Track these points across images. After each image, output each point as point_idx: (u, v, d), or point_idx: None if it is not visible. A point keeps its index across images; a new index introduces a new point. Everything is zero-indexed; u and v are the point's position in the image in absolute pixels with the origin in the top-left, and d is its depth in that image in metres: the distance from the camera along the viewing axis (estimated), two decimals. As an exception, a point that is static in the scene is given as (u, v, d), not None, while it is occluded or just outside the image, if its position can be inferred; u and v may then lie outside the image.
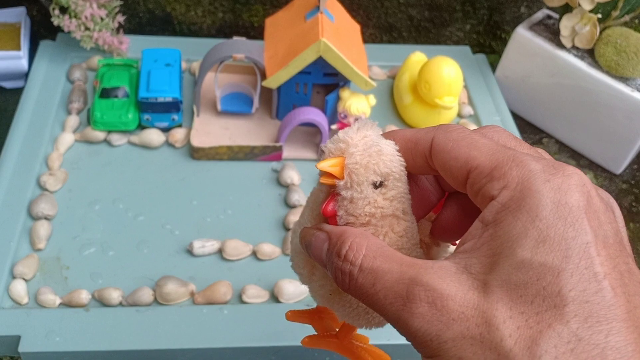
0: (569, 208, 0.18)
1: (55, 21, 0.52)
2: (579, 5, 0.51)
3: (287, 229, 0.46)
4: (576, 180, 0.19)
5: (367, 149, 0.21)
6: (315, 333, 0.29)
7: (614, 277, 0.18)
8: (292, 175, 0.49)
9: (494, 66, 0.61)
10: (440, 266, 0.19)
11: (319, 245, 0.22)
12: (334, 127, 0.50)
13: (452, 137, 0.21)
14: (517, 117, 0.58)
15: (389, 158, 0.21)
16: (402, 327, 0.19)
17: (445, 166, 0.21)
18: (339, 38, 0.47)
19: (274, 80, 0.48)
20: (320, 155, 0.23)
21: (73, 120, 0.51)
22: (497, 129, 0.22)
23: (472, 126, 0.55)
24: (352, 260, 0.20)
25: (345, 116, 0.49)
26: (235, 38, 0.50)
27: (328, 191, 0.22)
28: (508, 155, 0.19)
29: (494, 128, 0.22)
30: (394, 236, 0.21)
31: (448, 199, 0.23)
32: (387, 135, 0.23)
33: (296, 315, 0.28)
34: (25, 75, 0.55)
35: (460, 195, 0.22)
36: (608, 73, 0.52)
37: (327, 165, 0.21)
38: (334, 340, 0.27)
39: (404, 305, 0.19)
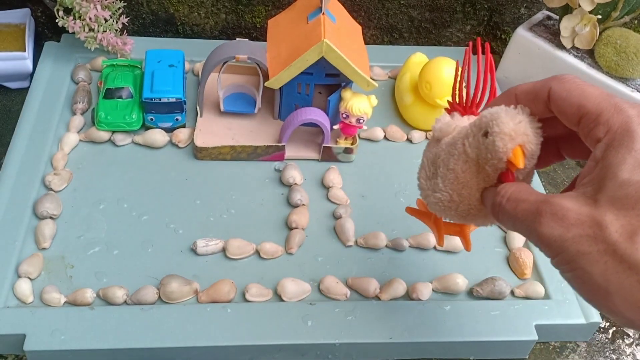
0: None
1: (60, 22, 0.52)
2: (579, 6, 0.51)
3: (289, 228, 0.46)
4: None
5: (529, 135, 0.27)
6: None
7: None
8: (294, 175, 0.49)
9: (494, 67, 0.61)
10: (561, 195, 0.25)
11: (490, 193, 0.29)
12: (336, 127, 0.50)
13: (566, 87, 0.26)
14: (517, 118, 0.58)
15: (536, 136, 0.28)
16: (534, 235, 0.25)
17: (562, 112, 0.27)
18: (341, 39, 0.48)
19: (277, 81, 0.48)
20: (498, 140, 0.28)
21: (77, 120, 0.51)
22: None
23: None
24: (502, 194, 0.28)
25: (348, 116, 0.49)
26: (238, 39, 0.51)
27: (477, 164, 0.29)
28: (611, 104, 0.25)
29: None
30: (529, 182, 0.30)
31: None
32: (509, 93, 0.29)
33: (413, 211, 0.39)
34: (30, 76, 0.56)
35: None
36: (608, 74, 0.52)
37: (520, 161, 0.27)
38: (433, 219, 0.37)
39: (535, 218, 0.25)
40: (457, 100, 0.34)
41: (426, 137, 0.55)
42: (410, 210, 0.39)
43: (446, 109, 0.35)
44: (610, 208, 0.24)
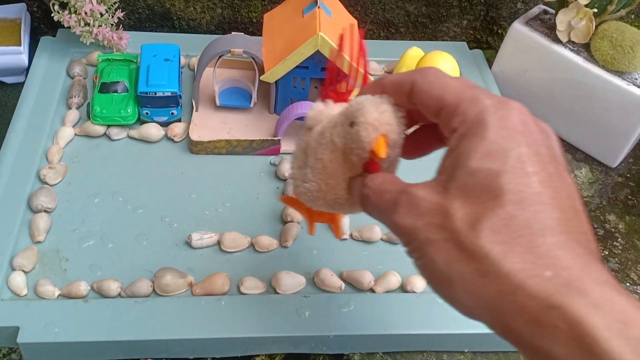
0: (508, 130, 0.24)
1: (55, 16, 0.52)
2: (575, 0, 0.51)
3: (284, 222, 0.46)
4: (517, 111, 0.24)
5: (392, 125, 0.27)
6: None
7: (543, 175, 0.23)
8: (289, 169, 0.49)
9: (490, 62, 0.61)
10: (418, 184, 0.25)
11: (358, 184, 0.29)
12: (331, 121, 0.50)
13: (428, 80, 0.26)
14: (513, 112, 0.58)
15: (399, 126, 0.28)
16: (392, 225, 0.26)
17: (423, 104, 0.27)
18: (336, 33, 0.48)
19: (272, 75, 0.48)
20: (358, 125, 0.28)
21: (73, 114, 0.51)
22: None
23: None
24: (369, 186, 0.28)
25: (343, 110, 0.49)
26: (233, 33, 0.51)
27: (344, 153, 0.29)
28: (469, 95, 0.25)
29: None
30: (395, 171, 0.31)
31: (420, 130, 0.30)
32: (377, 83, 0.29)
33: (287, 200, 0.37)
34: (26, 71, 0.56)
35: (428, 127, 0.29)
36: (604, 67, 0.52)
37: (383, 151, 0.27)
38: (305, 207, 0.35)
39: (393, 208, 0.26)
40: (330, 86, 0.33)
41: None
42: (284, 199, 0.38)
43: (320, 95, 0.33)
44: (458, 196, 0.23)
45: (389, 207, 0.26)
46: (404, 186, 0.26)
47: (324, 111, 0.32)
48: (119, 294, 0.41)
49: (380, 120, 0.27)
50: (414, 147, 0.30)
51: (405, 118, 0.28)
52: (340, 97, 0.33)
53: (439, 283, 0.24)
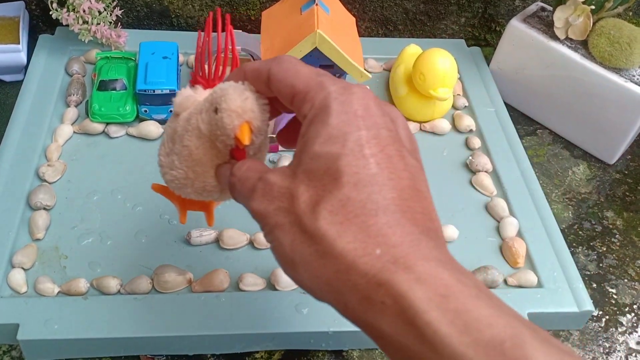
0: (349, 115, 0.25)
1: (54, 14, 0.52)
2: (573, -3, 0.51)
3: (283, 219, 0.46)
4: (358, 95, 0.25)
5: (255, 112, 0.28)
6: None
7: (380, 157, 0.24)
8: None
9: (488, 59, 0.61)
10: (275, 169, 0.26)
11: (225, 172, 0.30)
12: (329, 118, 0.50)
13: (282, 68, 0.27)
14: (511, 109, 0.59)
15: (263, 113, 0.28)
16: (249, 209, 0.26)
17: (279, 92, 0.27)
18: (335, 30, 0.48)
19: (270, 72, 0.49)
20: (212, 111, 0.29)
21: (72, 112, 0.51)
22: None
23: (467, 118, 0.55)
24: (235, 174, 0.28)
25: (341, 107, 0.49)
26: (231, 30, 0.51)
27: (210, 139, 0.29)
28: (316, 82, 0.26)
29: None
30: (263, 157, 0.31)
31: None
32: (239, 70, 0.29)
33: (159, 188, 0.36)
34: (24, 69, 0.56)
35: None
36: (601, 64, 0.52)
37: (247, 137, 0.27)
38: (175, 196, 0.34)
39: (250, 194, 0.26)
40: (199, 72, 0.32)
41: (420, 129, 0.55)
42: (155, 187, 0.37)
43: (190, 81, 0.32)
44: (304, 180, 0.24)
45: (248, 194, 0.26)
46: (262, 173, 0.26)
47: (190, 97, 0.31)
48: (119, 291, 0.41)
49: (243, 107, 0.28)
50: (291, 136, 0.30)
51: (268, 105, 0.28)
52: (210, 83, 0.32)
53: (286, 265, 0.25)
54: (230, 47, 0.31)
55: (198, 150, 0.30)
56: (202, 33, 0.31)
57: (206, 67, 0.32)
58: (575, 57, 0.53)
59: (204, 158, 0.30)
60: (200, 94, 0.32)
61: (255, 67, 0.28)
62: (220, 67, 0.32)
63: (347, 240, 0.23)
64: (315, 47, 0.46)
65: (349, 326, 0.40)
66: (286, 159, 0.50)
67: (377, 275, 0.22)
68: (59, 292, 0.41)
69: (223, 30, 0.31)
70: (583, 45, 0.54)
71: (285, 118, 0.50)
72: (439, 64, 0.51)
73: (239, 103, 0.28)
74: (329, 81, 0.26)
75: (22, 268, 0.42)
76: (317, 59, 0.48)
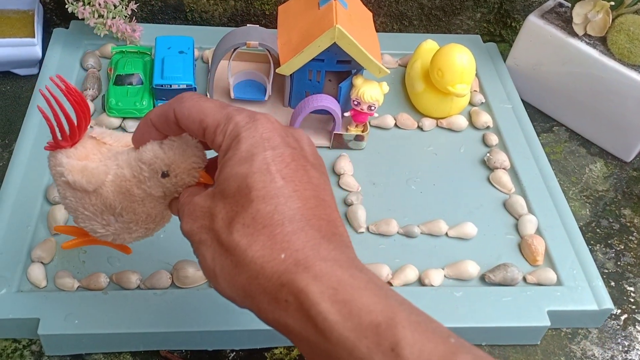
0: (256, 139, 0.28)
1: (69, 8, 0.52)
2: (592, -7, 0.51)
3: (301, 215, 0.46)
4: (263, 121, 0.28)
5: (197, 156, 0.31)
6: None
7: (286, 172, 0.27)
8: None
9: (504, 55, 0.61)
10: (202, 193, 0.29)
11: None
12: (347, 114, 0.50)
13: (186, 107, 0.29)
14: (527, 105, 0.58)
15: (203, 153, 0.32)
16: (180, 228, 0.30)
17: (189, 129, 0.30)
18: (353, 25, 0.47)
19: (288, 67, 0.48)
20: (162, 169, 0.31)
21: (88, 107, 0.51)
22: None
23: (484, 115, 0.55)
24: (180, 201, 0.31)
25: (359, 103, 0.49)
26: (248, 25, 0.51)
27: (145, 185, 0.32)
28: (224, 115, 0.29)
29: None
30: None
31: None
32: (146, 123, 0.31)
33: (64, 229, 0.38)
34: (39, 63, 0.55)
35: None
36: (620, 61, 0.52)
37: (209, 178, 0.31)
38: (89, 238, 0.36)
39: (181, 217, 0.30)
40: (60, 136, 0.33)
41: (437, 125, 0.55)
42: (72, 244, 0.37)
43: (50, 146, 0.33)
44: (221, 199, 0.27)
45: (181, 216, 0.30)
46: (190, 196, 0.30)
47: (94, 172, 0.32)
48: (138, 286, 0.41)
49: (191, 166, 0.31)
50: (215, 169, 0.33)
51: (199, 142, 0.31)
52: (75, 140, 0.33)
53: (209, 277, 0.28)
54: (74, 96, 0.32)
55: (154, 209, 0.33)
56: (42, 108, 0.32)
57: (66, 126, 0.32)
58: (594, 53, 0.53)
59: (160, 208, 0.33)
60: (92, 161, 0.33)
61: (159, 113, 0.30)
62: (75, 123, 0.32)
63: (256, 248, 0.26)
64: (334, 43, 0.46)
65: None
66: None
67: (281, 277, 0.25)
68: (78, 286, 0.41)
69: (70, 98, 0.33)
70: (602, 42, 0.54)
71: (302, 114, 0.50)
72: (457, 59, 0.50)
73: (189, 160, 0.31)
74: (235, 112, 0.29)
75: (42, 262, 0.42)
76: (335, 54, 0.48)
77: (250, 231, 0.26)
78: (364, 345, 0.23)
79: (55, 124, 0.32)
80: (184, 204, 0.30)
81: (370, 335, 0.23)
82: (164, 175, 0.31)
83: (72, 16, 0.53)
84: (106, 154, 0.33)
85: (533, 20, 0.56)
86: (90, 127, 0.34)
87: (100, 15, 0.53)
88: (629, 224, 0.51)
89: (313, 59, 0.48)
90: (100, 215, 0.33)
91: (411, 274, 0.43)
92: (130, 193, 0.32)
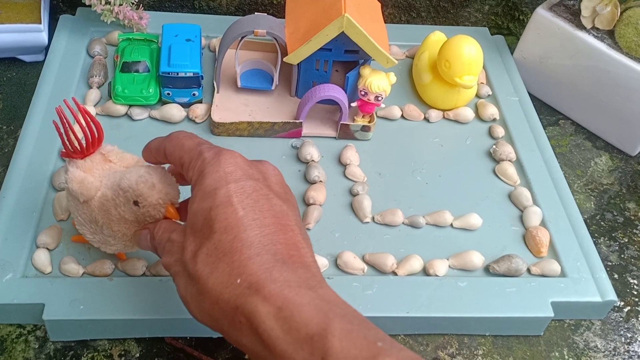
0: (219, 173, 0.30)
1: (76, -6, 0.52)
2: (601, -15, 0.51)
3: (307, 204, 0.46)
4: (226, 157, 0.31)
5: (170, 193, 0.35)
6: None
7: (247, 203, 0.29)
8: (311, 152, 0.49)
9: (511, 48, 0.61)
10: (179, 229, 0.32)
11: (144, 237, 0.35)
12: (354, 104, 0.50)
13: (172, 144, 0.33)
14: (534, 99, 0.58)
15: (175, 188, 0.36)
16: (162, 264, 0.32)
17: (173, 163, 0.34)
18: (361, 14, 0.47)
19: (295, 56, 0.48)
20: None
21: (94, 93, 0.51)
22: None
23: (490, 107, 0.55)
24: (154, 237, 0.34)
25: (366, 93, 0.49)
26: (256, 13, 0.50)
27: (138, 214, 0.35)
28: (197, 151, 0.32)
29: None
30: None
31: None
32: (148, 148, 0.35)
33: (79, 239, 0.42)
34: (45, 49, 0.55)
35: None
36: (628, 54, 0.52)
37: (175, 214, 0.35)
38: None
39: (162, 252, 0.33)
40: (70, 148, 0.36)
41: (443, 117, 0.55)
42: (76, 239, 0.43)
43: (63, 155, 0.37)
44: (190, 233, 0.30)
45: (161, 252, 0.33)
46: (170, 233, 0.32)
47: (89, 185, 0.36)
48: (144, 273, 0.41)
49: (161, 198, 0.34)
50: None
51: (174, 177, 0.35)
52: (87, 154, 0.37)
53: (184, 304, 0.31)
54: (86, 116, 0.36)
55: (129, 230, 0.36)
56: (57, 122, 0.36)
57: (75, 142, 0.36)
58: (601, 47, 0.53)
59: (137, 229, 0.36)
60: (92, 174, 0.36)
61: (155, 146, 0.34)
62: (89, 135, 0.36)
63: (216, 275, 0.28)
64: (342, 32, 0.46)
65: (372, 311, 0.41)
66: (309, 145, 0.50)
67: (236, 300, 0.27)
68: (84, 273, 0.41)
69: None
70: (609, 35, 0.53)
71: (309, 104, 0.50)
72: (465, 51, 0.50)
73: (156, 197, 0.34)
74: (206, 149, 0.31)
75: (47, 249, 0.42)
76: (343, 43, 0.48)
77: (211, 260, 0.28)
78: (300, 357, 0.25)
79: (66, 138, 0.36)
80: (162, 240, 0.32)
81: (305, 347, 0.25)
82: (136, 204, 0.34)
83: (79, 3, 0.53)
84: (106, 171, 0.37)
85: (541, 13, 0.55)
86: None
87: (107, 2, 0.53)
88: (633, 217, 0.51)
89: (321, 49, 0.48)
90: (89, 223, 0.38)
91: (416, 263, 0.43)
92: (109, 212, 0.36)
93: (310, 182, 0.48)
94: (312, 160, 0.49)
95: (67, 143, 0.36)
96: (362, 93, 0.49)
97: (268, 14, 0.62)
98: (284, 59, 0.49)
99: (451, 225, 0.46)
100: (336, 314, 0.26)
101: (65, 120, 0.35)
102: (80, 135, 0.36)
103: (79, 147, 0.36)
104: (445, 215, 0.46)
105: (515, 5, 0.64)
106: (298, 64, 0.50)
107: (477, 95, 0.56)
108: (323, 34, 0.46)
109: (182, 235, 0.31)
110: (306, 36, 0.47)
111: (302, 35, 0.48)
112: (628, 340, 0.43)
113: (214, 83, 0.52)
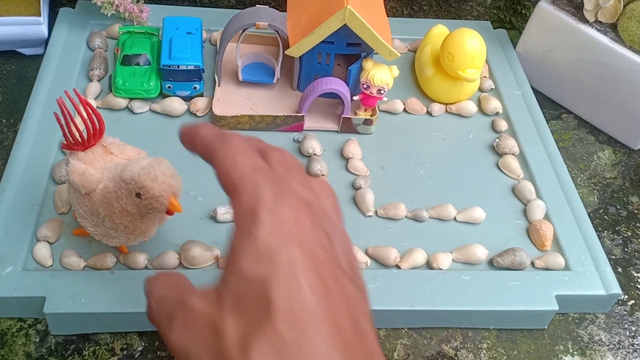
0: (280, 228, 0.21)
1: (76, -13, 0.51)
2: (604, -22, 0.51)
3: (309, 198, 0.46)
4: (291, 203, 0.22)
5: (173, 185, 0.34)
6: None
7: (318, 287, 0.21)
8: (313, 145, 0.49)
9: (514, 42, 0.61)
10: (199, 290, 0.22)
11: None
12: (356, 98, 0.50)
13: (224, 151, 0.24)
14: (537, 93, 0.58)
15: (179, 181, 0.35)
16: (167, 341, 0.22)
17: (218, 174, 0.25)
18: (364, 7, 0.47)
19: (298, 49, 0.48)
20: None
21: (94, 87, 0.51)
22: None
23: (493, 101, 0.55)
24: (151, 292, 0.25)
25: (368, 87, 0.48)
26: (258, 6, 0.50)
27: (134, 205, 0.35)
28: (250, 181, 0.23)
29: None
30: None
31: None
32: (190, 134, 0.27)
33: (80, 232, 0.42)
34: (45, 42, 0.55)
35: None
36: (631, 48, 0.52)
37: (178, 206, 0.34)
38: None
39: (169, 322, 0.22)
40: (72, 140, 0.36)
41: (446, 110, 0.54)
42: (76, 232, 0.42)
43: (64, 147, 0.37)
44: (230, 309, 0.21)
45: (166, 321, 0.23)
46: (182, 293, 0.23)
47: (91, 178, 0.36)
48: (146, 266, 0.41)
49: (164, 190, 0.33)
50: None
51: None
52: (88, 146, 0.37)
53: None
54: (88, 107, 0.35)
55: (131, 223, 0.36)
56: (58, 113, 0.36)
57: (76, 134, 0.36)
58: (604, 40, 0.52)
59: (138, 223, 0.36)
60: (93, 166, 0.36)
61: (205, 138, 0.26)
62: (91, 127, 0.36)
63: None
64: (344, 24, 0.45)
65: (375, 305, 0.40)
66: (311, 138, 0.49)
67: None
68: (85, 266, 0.41)
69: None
70: (612, 29, 0.53)
71: (311, 97, 0.49)
72: (468, 44, 0.50)
73: (158, 189, 0.33)
74: (264, 182, 0.23)
75: (48, 242, 0.41)
76: (346, 36, 0.47)
77: (274, 357, 0.20)
78: None
79: (67, 130, 0.35)
80: (176, 303, 0.23)
81: None
82: (138, 196, 0.34)
83: (78, -4, 0.53)
84: (108, 163, 0.37)
85: (544, 6, 0.55)
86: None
87: (107, -5, 0.52)
88: (636, 211, 0.51)
89: (323, 41, 0.47)
90: (90, 216, 0.37)
91: (419, 257, 0.43)
92: (111, 204, 0.35)
93: (313, 176, 0.47)
94: (314, 154, 0.49)
95: (68, 135, 0.36)
96: (365, 86, 0.49)
97: (270, 6, 0.61)
98: (286, 52, 0.49)
99: (454, 219, 0.46)
100: None
101: (66, 112, 0.35)
102: (81, 127, 0.36)
103: (80, 139, 0.36)
104: (448, 209, 0.46)
105: (518, -1, 0.64)
106: (300, 57, 0.50)
107: (480, 89, 0.56)
108: (325, 26, 0.46)
109: (212, 306, 0.21)
110: (308, 29, 0.47)
111: (304, 27, 0.48)
112: (633, 334, 0.43)
113: (215, 76, 0.52)
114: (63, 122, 0.35)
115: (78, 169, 0.36)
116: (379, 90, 0.48)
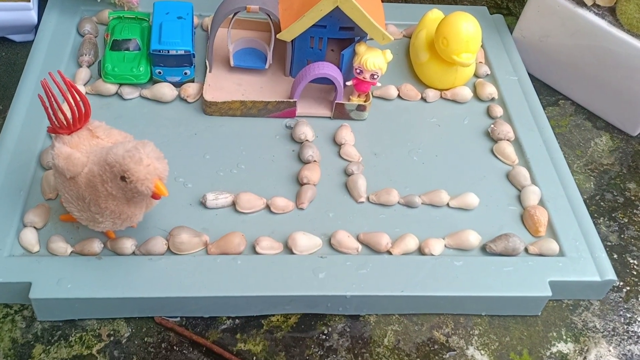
0: None
1: (65, -29, 0.51)
2: (602, -39, 0.50)
3: (300, 184, 0.45)
4: None
5: (159, 168, 0.34)
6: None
7: None
8: (305, 131, 0.48)
9: (510, 28, 0.60)
10: None
11: None
12: (349, 83, 0.49)
13: None
14: (533, 79, 0.57)
15: (164, 163, 0.35)
16: None
17: None
18: (356, -10, 0.46)
19: (289, 33, 0.47)
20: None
21: (84, 72, 0.50)
22: None
23: (489, 86, 0.54)
24: None
25: (361, 72, 0.48)
26: (249, -10, 0.49)
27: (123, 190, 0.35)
28: None
29: None
30: None
31: None
32: None
33: (67, 218, 0.41)
34: (35, 28, 0.54)
35: None
36: (629, 32, 0.51)
37: (164, 190, 0.34)
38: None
39: None
40: (57, 123, 0.36)
41: (441, 96, 0.54)
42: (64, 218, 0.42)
43: (49, 130, 0.37)
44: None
45: None
46: None
47: (76, 161, 0.35)
48: (133, 252, 0.40)
49: (149, 172, 0.33)
50: None
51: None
52: (74, 129, 0.36)
53: None
54: (73, 90, 0.35)
55: (118, 207, 0.35)
56: (43, 96, 0.36)
57: (61, 117, 0.36)
58: (602, 24, 0.52)
59: (124, 207, 0.36)
60: (78, 149, 0.36)
61: None
62: (76, 110, 0.36)
63: None
64: (337, 7, 0.45)
65: (366, 290, 0.40)
66: (303, 124, 0.49)
67: None
68: (72, 252, 0.40)
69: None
70: (610, 12, 0.52)
71: (303, 83, 0.48)
72: (463, 28, 0.49)
73: (144, 171, 0.33)
74: None
75: (34, 227, 0.41)
76: (338, 20, 0.47)
77: None
78: None
79: (52, 113, 0.35)
80: None
81: None
82: (123, 179, 0.33)
83: (69, -19, 0.52)
84: (93, 147, 0.36)
85: (540, -10, 0.54)
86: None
87: (97, -20, 0.52)
88: (633, 198, 0.50)
89: (315, 25, 0.47)
90: (76, 200, 0.37)
91: (411, 242, 0.42)
92: (96, 188, 0.35)
93: (304, 162, 0.47)
94: (306, 140, 0.48)
95: (53, 118, 0.36)
96: (358, 71, 0.48)
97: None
98: (277, 36, 0.48)
99: (447, 205, 0.45)
100: None
101: (50, 94, 0.35)
102: (67, 111, 0.35)
103: (65, 122, 0.36)
104: (441, 195, 0.45)
105: (515, -16, 0.63)
106: (292, 42, 0.49)
107: (476, 75, 0.55)
108: (317, 9, 0.45)
109: None
110: (300, 12, 0.46)
111: (296, 11, 0.47)
112: (627, 321, 0.42)
113: (206, 62, 0.51)
114: (48, 104, 0.35)
115: (63, 153, 0.35)
116: (372, 75, 0.48)
